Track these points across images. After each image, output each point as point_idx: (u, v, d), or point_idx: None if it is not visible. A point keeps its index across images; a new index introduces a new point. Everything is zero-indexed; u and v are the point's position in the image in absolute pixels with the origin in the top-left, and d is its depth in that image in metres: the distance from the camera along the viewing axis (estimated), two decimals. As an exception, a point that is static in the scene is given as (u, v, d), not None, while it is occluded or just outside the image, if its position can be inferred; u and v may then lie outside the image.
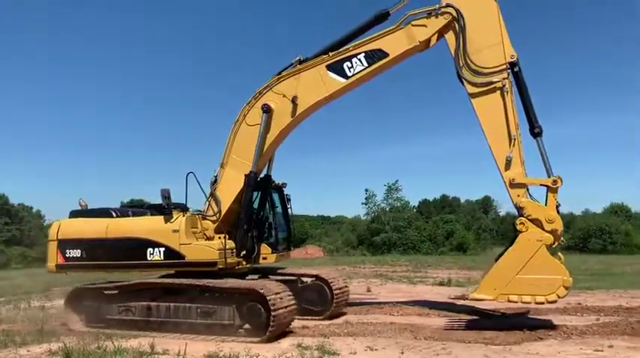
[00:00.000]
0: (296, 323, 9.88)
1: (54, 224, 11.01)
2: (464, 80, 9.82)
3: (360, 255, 52.06)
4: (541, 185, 9.47)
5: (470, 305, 12.02)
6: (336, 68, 10.35)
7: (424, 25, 10.04)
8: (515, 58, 9.61)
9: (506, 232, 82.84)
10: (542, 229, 9.08)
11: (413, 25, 10.08)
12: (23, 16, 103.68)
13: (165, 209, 10.50)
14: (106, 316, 10.30)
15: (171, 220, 10.02)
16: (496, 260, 9.79)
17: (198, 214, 10.46)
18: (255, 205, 10.95)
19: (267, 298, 8.79)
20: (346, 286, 11.88)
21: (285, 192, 11.99)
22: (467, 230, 67.58)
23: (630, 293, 14.54)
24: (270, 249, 11.11)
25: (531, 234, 9.09)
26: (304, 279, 11.51)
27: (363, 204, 62.09)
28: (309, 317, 10.86)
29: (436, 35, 10.15)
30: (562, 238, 9.27)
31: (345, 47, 10.46)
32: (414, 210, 71.23)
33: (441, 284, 18.26)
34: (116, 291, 10.48)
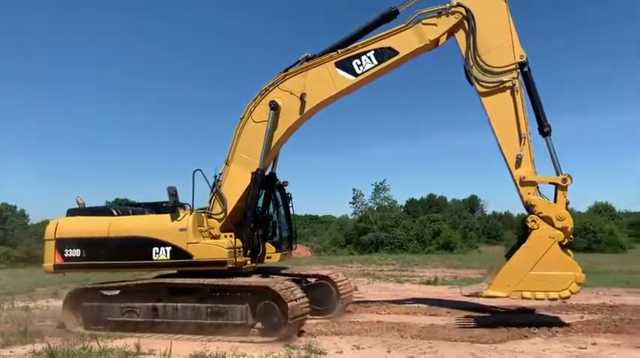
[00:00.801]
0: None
1: (51, 222, 10.60)
2: (474, 79, 9.86)
3: (347, 254, 52.09)
4: (550, 183, 9.59)
5: (475, 303, 12.15)
6: (345, 65, 10.28)
7: (434, 24, 10.05)
8: (524, 58, 9.70)
9: (491, 231, 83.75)
10: (553, 226, 9.20)
11: (423, 24, 10.08)
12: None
13: (161, 207, 10.39)
14: (107, 318, 9.94)
15: (178, 218, 9.79)
16: (507, 257, 9.93)
17: (203, 212, 10.23)
18: (260, 203, 10.78)
19: (284, 296, 8.67)
20: (350, 285, 11.91)
21: (287, 191, 11.82)
22: (453, 229, 67.99)
23: (613, 292, 14.75)
24: (274, 249, 10.98)
25: (543, 232, 9.20)
26: (308, 279, 11.46)
27: (350, 203, 62.24)
28: (315, 317, 10.65)
29: (445, 34, 10.16)
30: (572, 235, 9.39)
31: (353, 45, 10.40)
32: (402, 210, 71.57)
33: (428, 283, 18.34)
34: (119, 292, 10.22)
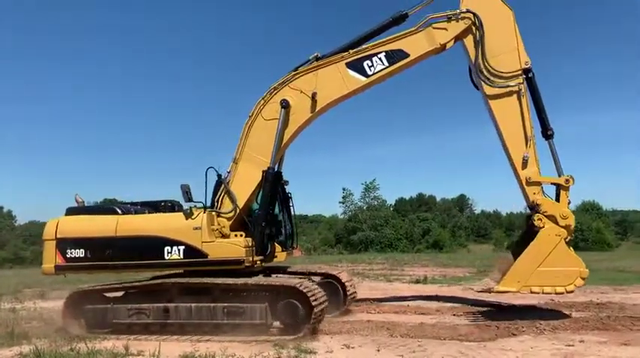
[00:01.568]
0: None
1: (50, 222, 10.20)
2: (482, 82, 10.18)
3: (337, 253, 52.20)
4: (554, 183, 10.04)
5: (473, 300, 12.32)
6: (356, 66, 10.41)
7: (445, 29, 10.31)
8: (529, 65, 10.10)
9: (480, 230, 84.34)
10: (557, 224, 9.67)
11: (434, 28, 10.33)
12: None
13: (160, 206, 10.33)
14: (113, 320, 9.66)
15: (192, 217, 9.69)
16: (513, 253, 10.49)
17: (213, 211, 10.09)
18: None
19: (307, 294, 8.63)
20: (355, 285, 11.98)
21: (287, 190, 11.75)
22: (442, 228, 68.45)
23: (600, 289, 14.96)
24: (280, 247, 10.98)
25: (550, 230, 9.66)
26: (313, 278, 11.32)
27: (340, 202, 62.47)
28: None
29: (453, 39, 10.43)
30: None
31: (364, 46, 10.56)
32: (391, 209, 71.80)
33: (417, 282, 18.41)
34: (126, 292, 10.04)
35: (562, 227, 9.69)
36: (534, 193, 9.99)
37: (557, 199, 9.94)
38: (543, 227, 9.70)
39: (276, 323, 9.17)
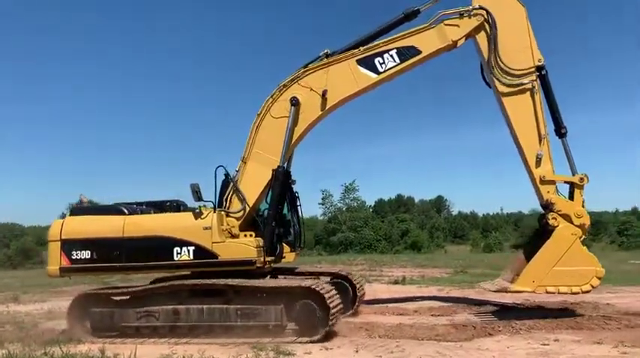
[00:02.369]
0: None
1: (55, 222, 9.94)
2: (495, 80, 10.09)
3: (316, 254, 52.16)
4: (568, 182, 10.00)
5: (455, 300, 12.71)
6: (367, 63, 10.25)
7: (457, 25, 10.20)
8: (542, 62, 10.01)
9: (457, 231, 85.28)
10: (572, 223, 9.63)
11: (446, 25, 10.20)
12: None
13: (165, 206, 10.14)
14: (121, 323, 9.38)
15: (201, 217, 9.45)
16: (524, 253, 10.40)
17: (222, 211, 9.86)
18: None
19: (325, 296, 8.54)
20: (364, 286, 11.92)
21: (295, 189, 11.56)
22: (421, 229, 69.01)
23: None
24: (288, 248, 10.80)
25: (566, 229, 9.62)
26: (322, 278, 11.23)
27: (320, 204, 62.38)
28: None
29: (465, 36, 10.31)
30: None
31: (375, 43, 10.40)
32: (370, 210, 72.11)
33: (396, 282, 18.51)
34: (134, 296, 9.69)
35: (577, 226, 9.63)
36: (548, 192, 9.90)
37: (571, 198, 9.90)
38: (558, 226, 9.65)
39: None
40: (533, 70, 10.02)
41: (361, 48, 10.34)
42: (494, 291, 10.49)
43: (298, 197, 11.53)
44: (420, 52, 10.22)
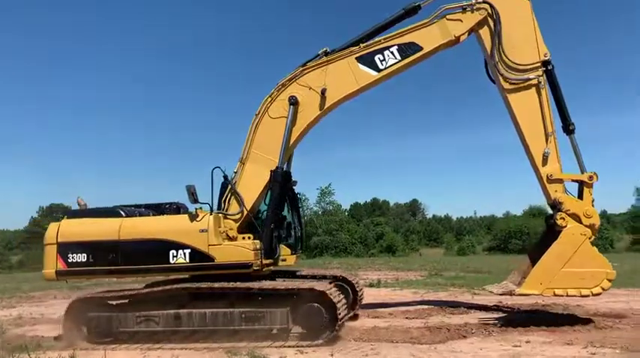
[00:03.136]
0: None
1: (51, 225, 9.71)
2: (500, 76, 9.84)
3: (292, 258, 51.93)
4: (577, 181, 9.74)
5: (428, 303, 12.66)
6: (367, 60, 9.98)
7: (459, 20, 9.95)
8: (548, 56, 9.76)
9: (432, 234, 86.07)
10: (581, 223, 9.33)
11: (448, 20, 9.95)
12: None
13: (164, 208, 9.91)
14: (118, 328, 9.08)
15: (197, 219, 9.22)
16: (530, 256, 10.13)
17: (218, 213, 9.63)
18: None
19: (332, 298, 8.49)
20: (363, 289, 11.82)
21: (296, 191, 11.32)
22: (396, 232, 69.43)
23: (546, 291, 15.33)
24: (289, 251, 10.56)
25: (574, 229, 9.30)
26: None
27: (295, 207, 62.30)
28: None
29: (467, 31, 10.09)
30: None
31: (375, 40, 10.13)
32: (346, 213, 72.36)
33: (371, 285, 18.55)
34: (129, 300, 9.44)
35: (586, 226, 9.31)
36: (556, 191, 9.60)
37: (580, 197, 9.62)
38: (566, 226, 9.35)
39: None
40: (539, 64, 9.75)
41: (361, 45, 10.08)
42: (499, 294, 10.21)
43: (300, 199, 11.32)
44: (421, 49, 9.97)
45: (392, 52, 9.98)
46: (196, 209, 9.44)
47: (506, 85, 9.85)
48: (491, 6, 9.88)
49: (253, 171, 9.88)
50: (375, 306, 12.76)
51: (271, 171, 9.65)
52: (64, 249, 9.36)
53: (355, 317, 11.05)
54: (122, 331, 9.05)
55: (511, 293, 9.76)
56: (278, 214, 9.94)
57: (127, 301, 9.47)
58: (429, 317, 11.03)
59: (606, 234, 56.20)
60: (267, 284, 9.07)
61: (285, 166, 10.12)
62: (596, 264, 9.25)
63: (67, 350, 8.42)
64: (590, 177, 9.61)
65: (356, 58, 10.02)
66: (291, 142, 10.05)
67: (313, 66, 10.11)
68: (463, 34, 10.02)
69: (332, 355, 7.88)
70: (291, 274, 11.03)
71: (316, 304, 8.62)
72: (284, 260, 10.45)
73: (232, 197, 9.84)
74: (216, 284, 8.93)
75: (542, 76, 9.75)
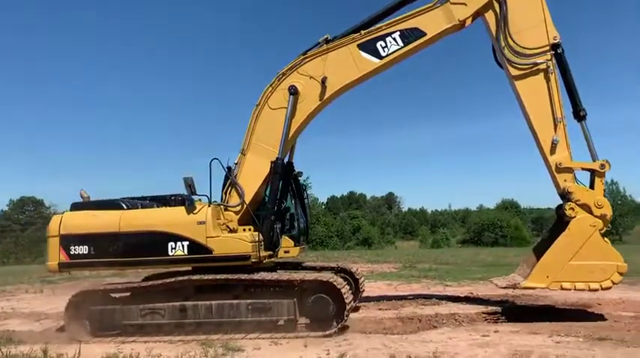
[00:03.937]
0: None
1: (54, 218, 9.79)
2: (506, 61, 9.48)
3: (268, 251, 51.96)
4: (587, 169, 9.34)
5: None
6: (369, 47, 9.71)
7: (464, 4, 9.58)
8: (558, 39, 9.32)
9: (407, 227, 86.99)
10: (591, 214, 8.95)
11: (452, 4, 9.58)
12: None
13: (170, 200, 9.85)
14: (122, 322, 9.15)
15: (195, 211, 9.20)
16: (534, 249, 9.90)
17: (219, 205, 9.61)
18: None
19: (339, 289, 8.56)
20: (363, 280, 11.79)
21: (301, 181, 11.27)
22: (372, 225, 69.91)
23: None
24: (292, 242, 10.45)
25: (584, 220, 8.91)
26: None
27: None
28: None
29: (472, 15, 9.75)
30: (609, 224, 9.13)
31: (377, 26, 9.86)
32: (323, 207, 72.61)
33: (346, 278, 18.68)
34: (131, 293, 9.48)
35: (597, 217, 8.89)
36: (565, 180, 9.20)
37: (592, 186, 9.22)
38: (575, 217, 8.97)
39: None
40: (547, 48, 9.32)
41: (362, 32, 9.81)
42: (503, 288, 9.93)
43: (305, 190, 11.24)
44: (424, 34, 9.65)
45: (394, 39, 9.71)
46: (194, 201, 9.44)
47: (514, 71, 9.48)
48: None
49: (254, 163, 9.80)
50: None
51: (271, 162, 9.59)
52: (67, 241, 9.42)
53: (356, 309, 10.98)
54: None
55: (515, 287, 9.47)
56: (279, 206, 9.88)
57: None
58: (401, 309, 11.20)
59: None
60: (275, 275, 9.11)
61: (287, 157, 10.03)
62: (606, 257, 8.86)
63: (37, 345, 8.35)
64: (602, 166, 9.17)
65: (357, 45, 9.79)
66: (292, 133, 9.91)
67: (313, 54, 9.93)
68: (468, 17, 9.68)
69: (306, 346, 7.98)
70: (292, 266, 11.01)
71: (324, 294, 8.73)
72: (287, 251, 10.37)
73: (232, 189, 9.80)
74: (220, 276, 8.94)
75: (551, 60, 9.33)
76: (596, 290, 8.93)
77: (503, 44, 9.48)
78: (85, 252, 9.35)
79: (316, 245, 55.65)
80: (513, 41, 9.42)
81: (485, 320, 9.67)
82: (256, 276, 8.95)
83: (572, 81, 9.52)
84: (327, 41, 9.99)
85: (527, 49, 9.39)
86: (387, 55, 9.72)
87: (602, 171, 9.17)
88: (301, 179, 11.23)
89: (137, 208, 9.90)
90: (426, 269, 21.93)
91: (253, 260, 9.04)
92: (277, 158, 9.57)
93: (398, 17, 9.83)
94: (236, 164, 9.94)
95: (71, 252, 9.39)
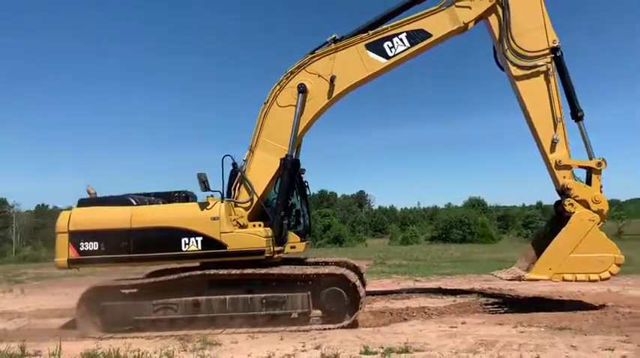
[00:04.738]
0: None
1: (63, 214, 9.64)
2: (509, 62, 9.88)
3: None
4: (585, 167, 9.82)
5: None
6: (376, 48, 9.99)
7: (468, 7, 9.95)
8: (557, 43, 9.78)
9: (377, 225, 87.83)
10: (589, 209, 9.47)
11: (457, 7, 9.96)
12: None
13: (173, 197, 9.94)
14: (134, 317, 9.10)
15: (208, 207, 9.26)
16: (533, 243, 10.44)
17: (230, 201, 9.65)
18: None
19: (352, 281, 8.73)
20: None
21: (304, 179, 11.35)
22: (343, 223, 70.32)
23: (483, 278, 16.27)
24: (298, 238, 10.59)
25: (583, 215, 9.43)
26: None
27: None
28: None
29: (476, 18, 10.11)
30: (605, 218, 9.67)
31: (384, 27, 10.14)
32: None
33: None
34: (142, 288, 9.41)
35: (595, 211, 9.44)
36: (564, 177, 9.71)
37: (589, 183, 9.72)
38: (575, 212, 9.48)
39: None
40: (547, 51, 9.80)
41: (370, 32, 10.08)
42: (508, 280, 10.30)
43: (308, 186, 11.41)
44: (430, 36, 9.99)
45: (401, 39, 10.01)
46: (207, 197, 9.49)
47: (516, 72, 9.91)
48: None
49: (263, 159, 9.94)
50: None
51: (281, 159, 9.74)
52: (76, 237, 9.34)
53: None
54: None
55: (520, 279, 9.85)
56: (288, 202, 10.04)
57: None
58: (373, 303, 11.52)
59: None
60: (292, 269, 9.29)
61: (294, 154, 10.19)
62: (604, 249, 9.41)
63: (15, 342, 8.36)
64: (599, 163, 9.71)
65: (365, 45, 10.04)
66: (300, 130, 10.09)
67: (322, 53, 10.13)
68: (471, 21, 10.04)
69: (282, 339, 8.19)
70: (296, 261, 11.14)
71: (335, 287, 8.94)
72: (293, 247, 10.50)
73: (242, 185, 9.92)
74: (235, 271, 9.00)
75: (550, 62, 9.81)
76: (595, 281, 9.48)
77: (505, 46, 9.90)
78: (95, 248, 9.29)
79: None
80: (515, 44, 9.86)
81: (453, 312, 10.06)
82: (274, 270, 9.10)
83: (571, 83, 10.03)
84: (334, 40, 10.22)
85: (528, 51, 9.85)
86: (394, 55, 10.02)
87: (599, 168, 9.72)
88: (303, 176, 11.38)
89: (145, 204, 9.89)
90: (396, 265, 22.44)
91: (267, 255, 9.19)
92: (287, 154, 9.74)
93: (404, 19, 10.16)
94: (244, 161, 10.08)
95: (81, 249, 9.31)
